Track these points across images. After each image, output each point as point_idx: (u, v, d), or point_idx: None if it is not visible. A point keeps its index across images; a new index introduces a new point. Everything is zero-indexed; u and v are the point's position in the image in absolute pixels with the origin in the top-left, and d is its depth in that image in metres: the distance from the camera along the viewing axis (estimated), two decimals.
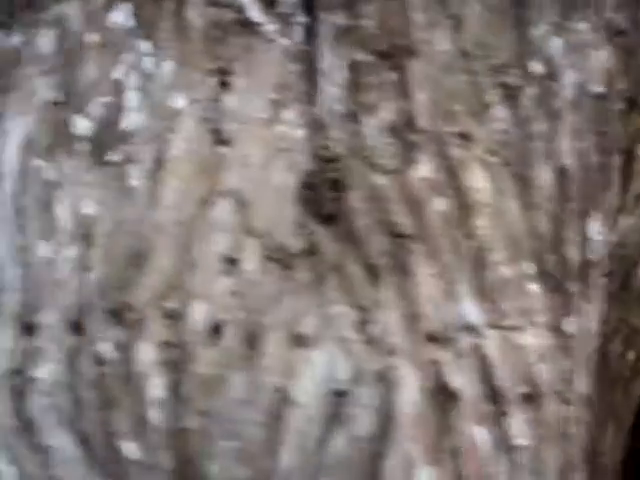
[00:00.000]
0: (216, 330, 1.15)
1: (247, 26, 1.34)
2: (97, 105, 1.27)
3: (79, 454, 1.12)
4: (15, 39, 1.32)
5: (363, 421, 1.11)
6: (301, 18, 1.36)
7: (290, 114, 1.30)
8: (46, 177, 1.26)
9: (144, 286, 1.16)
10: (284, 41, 1.34)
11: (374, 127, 1.23)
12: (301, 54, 1.36)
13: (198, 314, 1.15)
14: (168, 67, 1.29)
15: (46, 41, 1.31)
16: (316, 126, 1.31)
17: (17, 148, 1.28)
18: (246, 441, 1.12)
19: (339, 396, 1.12)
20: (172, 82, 1.28)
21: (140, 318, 1.15)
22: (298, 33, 1.35)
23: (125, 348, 1.14)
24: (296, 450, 1.11)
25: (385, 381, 1.12)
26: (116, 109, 1.27)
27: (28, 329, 1.19)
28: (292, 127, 1.28)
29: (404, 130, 1.22)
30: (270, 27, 1.33)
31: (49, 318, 1.18)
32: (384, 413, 1.11)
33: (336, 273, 1.17)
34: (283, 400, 1.11)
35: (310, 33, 1.37)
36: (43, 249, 1.23)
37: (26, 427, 1.13)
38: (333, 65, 1.33)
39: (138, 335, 1.14)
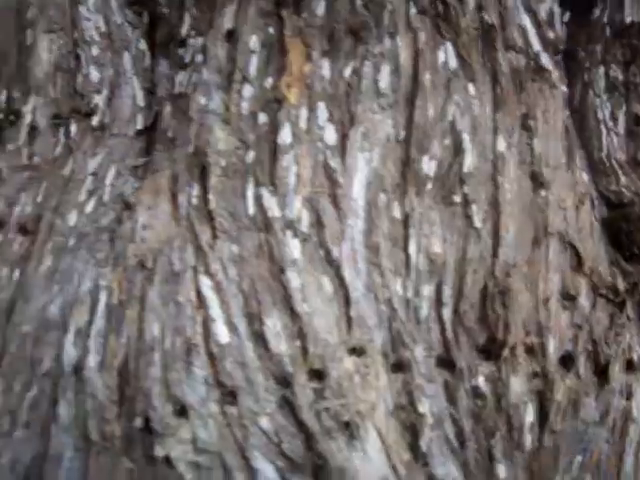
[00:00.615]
0: (568, 360, 1.29)
1: (538, 72, 1.43)
2: (438, 146, 1.31)
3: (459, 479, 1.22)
4: (345, 70, 1.30)
5: None
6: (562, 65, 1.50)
7: (578, 159, 1.44)
8: (395, 214, 1.28)
9: (512, 323, 1.26)
10: (564, 88, 1.46)
11: None
12: (574, 101, 1.49)
13: (552, 347, 1.29)
14: (488, 110, 1.36)
15: (382, 76, 1.30)
16: (601, 171, 1.47)
17: (364, 184, 1.27)
18: (595, 455, 1.29)
19: None
20: (493, 125, 1.36)
21: (510, 353, 1.25)
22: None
23: (498, 381, 1.24)
24: (635, 459, 1.31)
25: None
26: (454, 151, 1.32)
27: (398, 366, 1.23)
28: (582, 171, 1.43)
29: None
30: (555, 74, 1.44)
31: (417, 354, 1.24)
32: None
33: None
34: (626, 418, 1.30)
35: (574, 81, 1.52)
36: (400, 287, 1.26)
37: (419, 460, 1.20)
38: (611, 115, 1.48)
39: (510, 369, 1.25)
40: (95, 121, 1.45)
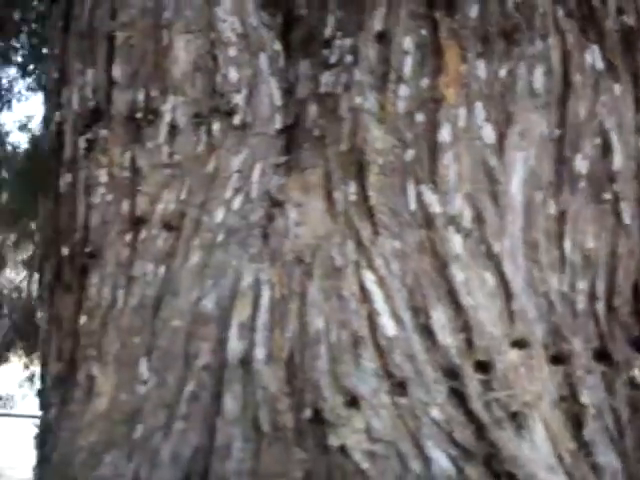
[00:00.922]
0: None
1: None
2: (589, 145, 1.35)
3: (619, 468, 1.25)
4: (500, 71, 1.33)
5: None
6: None
7: None
8: (550, 211, 1.32)
9: None
10: None
11: None
12: None
13: None
14: (631, 110, 1.40)
15: (536, 77, 1.34)
16: None
17: (521, 182, 1.31)
18: None
19: None
20: (635, 125, 1.39)
21: None
22: None
23: None
24: None
25: None
26: (605, 150, 1.36)
27: (559, 358, 1.27)
28: None
29: None
30: None
31: (576, 347, 1.27)
32: None
33: None
34: None
35: None
36: (556, 281, 1.29)
37: (582, 449, 1.23)
38: None
39: None
40: (237, 120, 1.47)
